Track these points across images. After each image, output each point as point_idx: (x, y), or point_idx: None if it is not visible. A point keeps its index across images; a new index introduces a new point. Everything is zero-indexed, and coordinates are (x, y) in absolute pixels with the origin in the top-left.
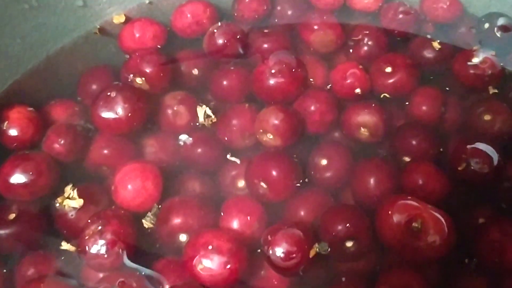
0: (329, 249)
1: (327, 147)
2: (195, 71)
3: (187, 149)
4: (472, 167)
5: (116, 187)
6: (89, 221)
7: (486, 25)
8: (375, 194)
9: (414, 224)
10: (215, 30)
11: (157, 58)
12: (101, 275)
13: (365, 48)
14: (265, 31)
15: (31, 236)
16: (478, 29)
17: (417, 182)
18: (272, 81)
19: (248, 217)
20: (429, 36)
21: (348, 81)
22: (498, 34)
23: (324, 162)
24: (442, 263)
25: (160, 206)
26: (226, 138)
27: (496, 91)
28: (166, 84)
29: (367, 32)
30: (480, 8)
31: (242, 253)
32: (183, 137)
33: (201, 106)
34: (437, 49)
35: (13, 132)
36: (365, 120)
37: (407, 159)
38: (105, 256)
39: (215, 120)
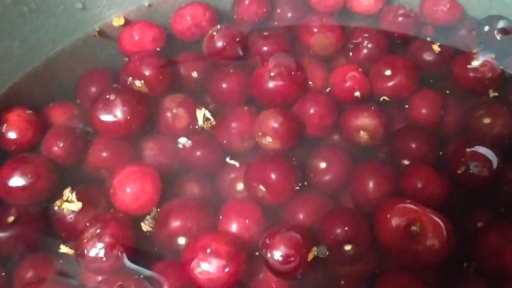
0: (327, 253)
1: (326, 150)
2: (195, 74)
3: (186, 152)
4: (471, 171)
5: (115, 190)
6: (87, 224)
7: (486, 28)
8: (374, 198)
9: (413, 228)
10: (215, 33)
11: (156, 61)
12: (99, 278)
13: (365, 51)
14: (265, 33)
15: (30, 239)
16: (478, 32)
17: (416, 186)
18: (271, 84)
19: (247, 220)
20: (429, 39)
21: (348, 84)
22: (498, 37)
23: (323, 165)
24: (440, 267)
25: (159, 209)
26: (225, 141)
27: (496, 94)
28: (165, 87)
29: (367, 35)
30: (480, 10)
31: (241, 256)
32: (182, 140)
33: (201, 109)
34: (437, 52)
35: (12, 135)
36: (364, 123)
37: (406, 162)
38: (104, 259)
39: (214, 123)
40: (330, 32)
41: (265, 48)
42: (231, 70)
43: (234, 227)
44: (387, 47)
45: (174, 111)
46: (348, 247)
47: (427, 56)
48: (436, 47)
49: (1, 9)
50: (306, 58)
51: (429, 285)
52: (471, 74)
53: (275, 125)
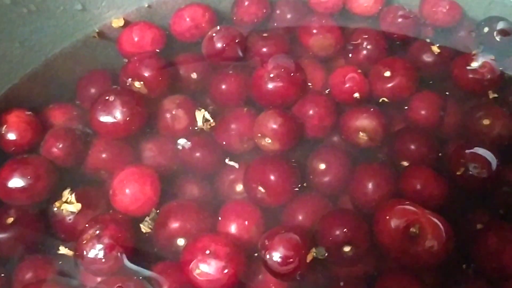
0: (326, 254)
1: (325, 152)
2: (194, 75)
3: (185, 153)
4: (470, 172)
5: (114, 191)
6: (87, 225)
7: (486, 29)
8: (373, 199)
9: (412, 229)
10: (214, 34)
11: (155, 62)
12: (99, 279)
13: (364, 52)
14: (264, 35)
15: (29, 240)
16: (477, 33)
17: (415, 187)
18: (270, 85)
19: (246, 222)
20: (428, 40)
21: (347, 85)
22: (498, 38)
23: (322, 166)
24: (440, 268)
25: (158, 211)
26: (224, 142)
27: (496, 95)
28: (164, 88)
29: (366, 36)
30: (480, 12)
31: (240, 257)
32: (182, 141)
33: (200, 110)
34: (436, 53)
35: (11, 136)
36: (364, 125)
37: (405, 163)
38: (103, 260)
39: (213, 124)
40: (329, 33)
41: (264, 49)
42: (231, 71)
43: (233, 228)
44: (387, 48)
45: (174, 112)
46: (347, 249)
47: (427, 57)
48: (435, 48)
49: (0, 11)
50: (306, 59)
51: (428, 287)
52: (471, 76)
53: (275, 126)
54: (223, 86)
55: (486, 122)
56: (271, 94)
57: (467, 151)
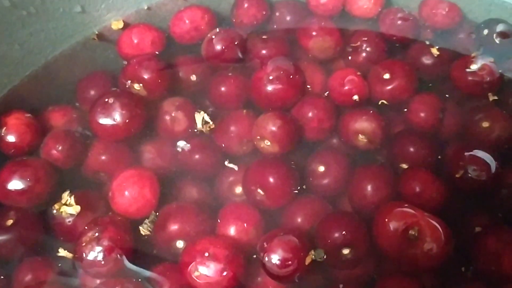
0: (325, 256)
1: (324, 154)
2: (194, 77)
3: (185, 156)
4: (469, 175)
5: (113, 193)
6: (86, 227)
7: (485, 31)
8: (372, 202)
9: (411, 232)
10: (213, 36)
11: (155, 64)
12: (98, 281)
13: (364, 54)
14: (264, 37)
15: (28, 242)
16: (477, 35)
17: (414, 190)
18: (270, 88)
19: (245, 224)
20: (428, 42)
21: (346, 87)
22: (497, 41)
23: (321, 169)
24: (439, 271)
25: (157, 213)
26: (224, 145)
27: (496, 98)
28: (164, 90)
29: (366, 38)
30: (480, 14)
31: (239, 260)
32: (181, 144)
33: (199, 112)
34: (435, 55)
35: (11, 138)
36: (363, 127)
37: (404, 166)
38: (102, 262)
39: (213, 126)
40: (329, 36)
41: (264, 52)
42: (230, 74)
43: (232, 231)
44: (386, 51)
45: (173, 115)
46: (346, 251)
47: (426, 60)
48: (435, 51)
49: (0, 13)
50: (305, 61)
51: None
52: (470, 78)
53: (274, 128)
54: (223, 88)
55: (485, 124)
56: (271, 96)
57: (466, 153)
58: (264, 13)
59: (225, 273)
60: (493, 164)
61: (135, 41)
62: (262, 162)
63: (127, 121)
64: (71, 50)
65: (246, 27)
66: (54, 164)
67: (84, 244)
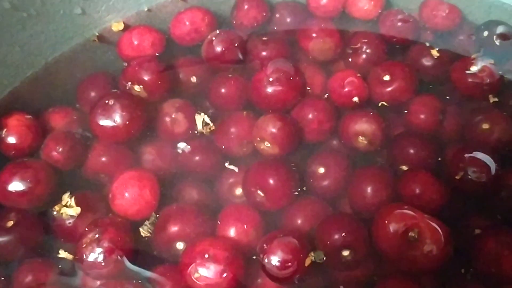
0: (324, 258)
1: (324, 156)
2: (194, 79)
3: (185, 157)
4: (469, 176)
5: (113, 195)
6: (86, 229)
7: (485, 33)
8: (372, 203)
9: (411, 234)
10: (214, 38)
11: (155, 66)
12: (98, 283)
13: (364, 56)
14: (264, 38)
15: (29, 244)
16: (477, 37)
17: (414, 191)
18: (270, 89)
19: (245, 225)
20: (428, 44)
21: (346, 89)
22: (497, 42)
23: (321, 170)
24: (438, 273)
25: (158, 215)
26: (224, 146)
27: (496, 99)
28: (164, 91)
29: (366, 40)
30: (480, 16)
31: (239, 261)
32: (181, 145)
33: (200, 114)
34: (436, 57)
35: (11, 139)
36: (363, 129)
37: (404, 167)
38: (103, 264)
39: (213, 128)
40: (329, 37)
41: (264, 53)
42: (230, 75)
43: (232, 232)
44: (386, 52)
45: (173, 116)
46: (346, 253)
47: (426, 61)
48: (435, 52)
49: (0, 15)
50: (305, 63)
51: None
52: (470, 80)
53: (274, 130)
54: (223, 90)
55: (485, 126)
56: (271, 98)
57: (466, 155)
58: (264, 14)
59: (225, 275)
60: (493, 166)
61: (136, 42)
62: (262, 164)
63: (127, 122)
64: (71, 51)
65: (246, 29)
66: (55, 166)
67: (84, 245)
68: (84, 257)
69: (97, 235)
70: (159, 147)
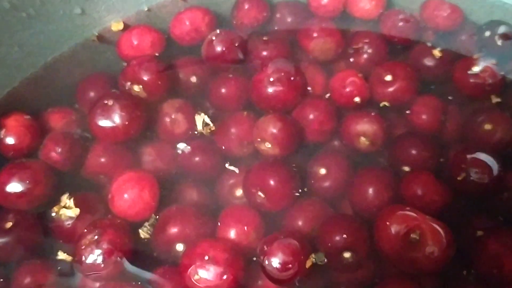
0: (325, 260)
1: (326, 156)
2: (194, 79)
3: (185, 158)
4: (471, 177)
5: (112, 196)
6: (85, 230)
7: (487, 33)
8: (373, 204)
9: (413, 235)
10: (214, 38)
11: (155, 66)
12: (97, 284)
13: (365, 56)
14: (264, 38)
15: (28, 245)
16: (479, 37)
17: (416, 192)
18: (270, 90)
19: (245, 227)
20: (429, 44)
21: (347, 89)
22: (499, 42)
23: (323, 171)
24: (440, 274)
25: (157, 216)
26: (224, 147)
27: (499, 100)
28: (164, 92)
29: (367, 40)
30: (482, 16)
31: (239, 263)
32: (181, 146)
33: (200, 114)
34: (437, 57)
35: (10, 140)
36: (364, 129)
37: (406, 168)
38: (102, 265)
39: (213, 128)
40: (330, 37)
41: (264, 53)
42: (230, 75)
43: (232, 234)
44: (388, 52)
45: (173, 116)
46: (347, 255)
47: (428, 61)
48: (436, 52)
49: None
50: (306, 63)
51: None
52: (472, 80)
53: (274, 131)
54: (223, 90)
55: (487, 127)
56: (271, 98)
57: (468, 156)
58: (264, 14)
59: (225, 277)
60: (495, 166)
61: (135, 42)
62: (263, 165)
63: (126, 123)
64: (71, 51)
65: (247, 29)
66: (53, 166)
67: (83, 247)
68: (83, 258)
69: (96, 237)
70: (158, 148)
